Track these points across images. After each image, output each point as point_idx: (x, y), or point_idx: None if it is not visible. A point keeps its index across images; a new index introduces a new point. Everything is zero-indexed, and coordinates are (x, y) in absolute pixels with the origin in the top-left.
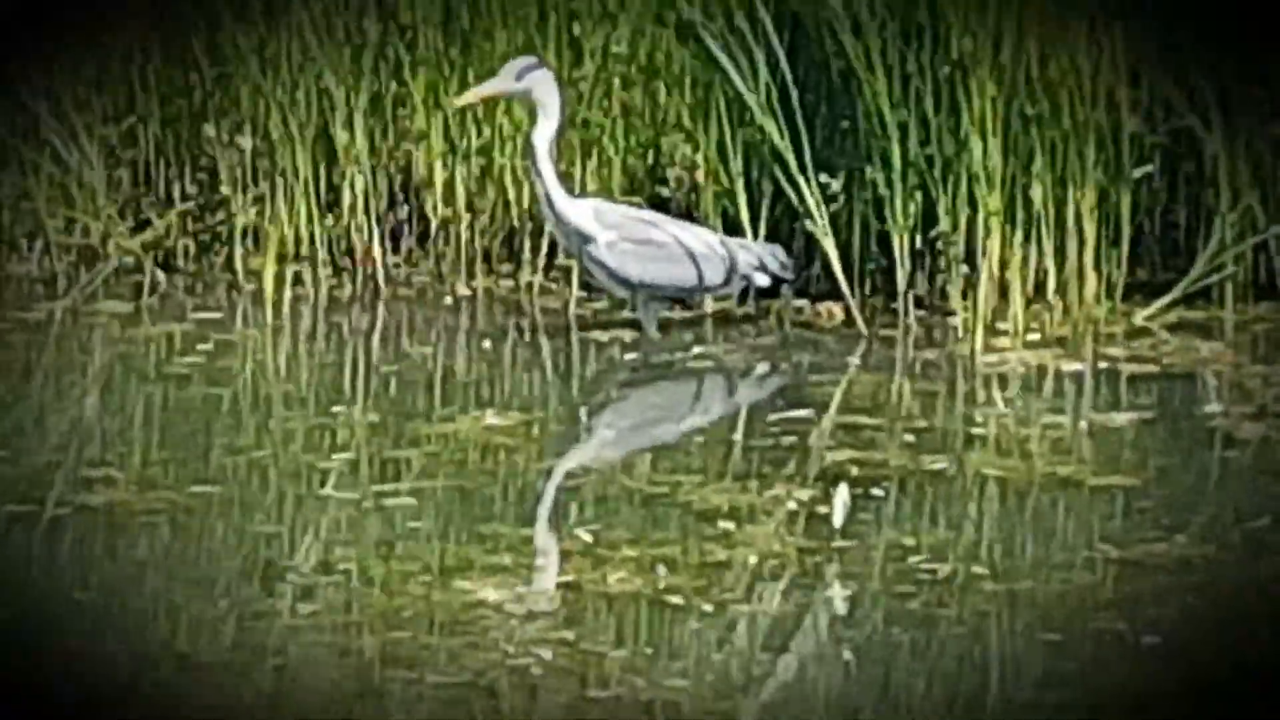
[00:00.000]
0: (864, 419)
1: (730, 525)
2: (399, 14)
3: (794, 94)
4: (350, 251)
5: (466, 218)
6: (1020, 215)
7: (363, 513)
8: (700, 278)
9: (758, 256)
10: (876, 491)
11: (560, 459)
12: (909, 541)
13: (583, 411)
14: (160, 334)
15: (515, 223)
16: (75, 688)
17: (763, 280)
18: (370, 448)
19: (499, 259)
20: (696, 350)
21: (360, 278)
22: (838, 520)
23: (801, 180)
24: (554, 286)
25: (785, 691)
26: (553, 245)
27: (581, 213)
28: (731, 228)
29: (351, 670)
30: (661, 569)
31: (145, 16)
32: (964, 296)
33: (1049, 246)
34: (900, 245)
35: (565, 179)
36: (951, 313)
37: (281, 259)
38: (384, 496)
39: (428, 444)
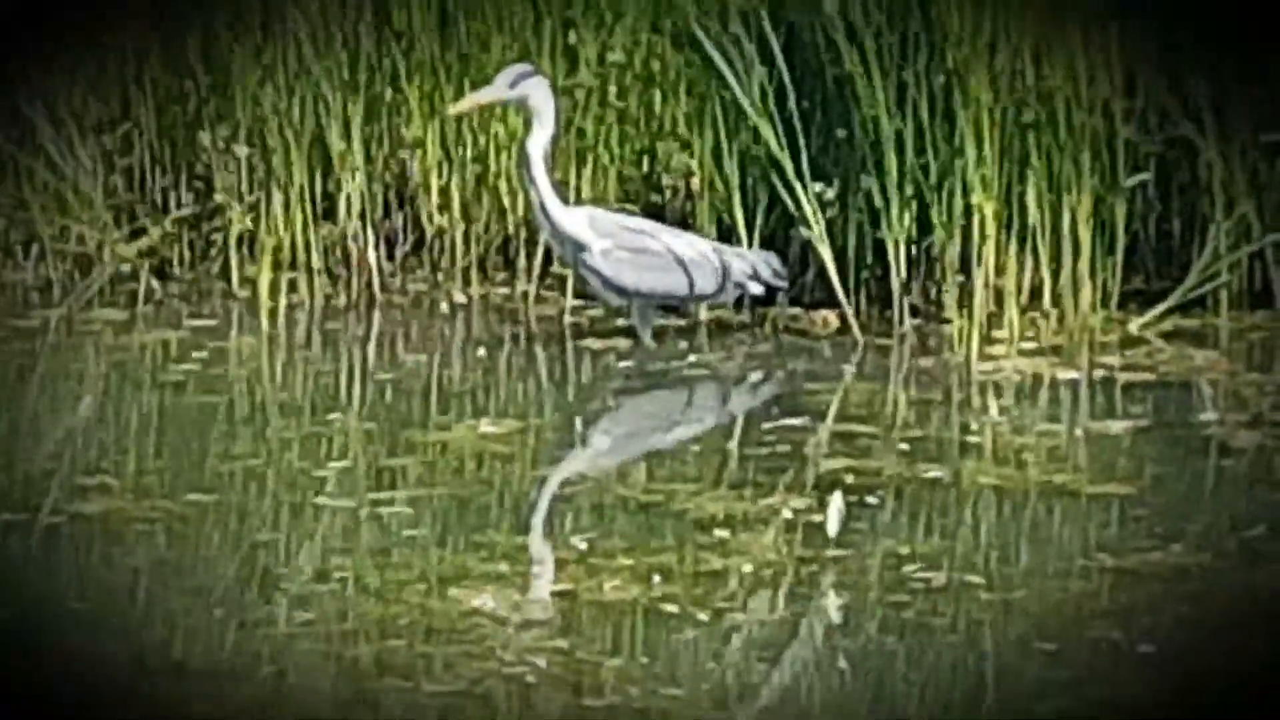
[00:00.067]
0: (859, 427)
1: (725, 534)
2: (394, 22)
3: (790, 101)
4: (346, 259)
5: (462, 225)
6: (1015, 223)
7: (358, 521)
8: (693, 286)
9: (751, 264)
10: (871, 500)
11: (555, 467)
12: (904, 550)
13: (578, 420)
14: (155, 341)
15: (510, 231)
16: (71, 696)
17: (756, 288)
18: (366, 456)
19: (494, 267)
20: (692, 358)
21: (356, 286)
22: (833, 529)
23: (797, 188)
24: (549, 294)
25: (780, 700)
26: (548, 253)
27: (576, 221)
28: (727, 235)
29: (347, 678)
30: (657, 577)
31: (141, 23)
32: (959, 304)
33: (1044, 255)
34: (895, 253)
35: (560, 187)
36: (947, 321)
37: (277, 266)
38: (379, 505)
39: (423, 452)
